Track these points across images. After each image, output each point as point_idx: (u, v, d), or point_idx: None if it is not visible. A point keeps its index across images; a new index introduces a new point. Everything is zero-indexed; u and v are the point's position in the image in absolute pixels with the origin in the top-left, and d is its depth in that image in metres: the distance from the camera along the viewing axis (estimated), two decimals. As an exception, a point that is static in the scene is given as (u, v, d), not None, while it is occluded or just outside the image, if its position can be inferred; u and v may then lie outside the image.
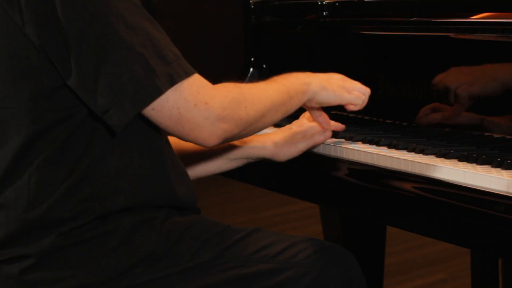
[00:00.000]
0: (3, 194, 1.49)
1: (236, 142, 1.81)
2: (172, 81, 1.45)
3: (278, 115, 1.62)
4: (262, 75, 2.33)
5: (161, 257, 1.50)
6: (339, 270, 1.57)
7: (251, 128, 1.57)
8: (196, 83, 1.48)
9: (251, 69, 2.35)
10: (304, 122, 1.84)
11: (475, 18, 1.72)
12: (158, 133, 1.56)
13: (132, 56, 1.42)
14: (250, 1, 2.32)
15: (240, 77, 2.34)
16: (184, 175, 1.62)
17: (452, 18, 1.78)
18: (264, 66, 2.34)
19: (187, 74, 1.47)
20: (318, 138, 1.80)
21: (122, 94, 1.42)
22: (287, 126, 1.85)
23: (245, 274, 1.53)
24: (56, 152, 1.47)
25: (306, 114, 1.85)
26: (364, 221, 2.38)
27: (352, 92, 1.74)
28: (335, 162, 1.76)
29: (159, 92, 1.43)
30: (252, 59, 2.35)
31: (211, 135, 1.48)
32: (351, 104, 1.74)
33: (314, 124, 1.82)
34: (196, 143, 1.50)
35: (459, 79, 1.75)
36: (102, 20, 1.42)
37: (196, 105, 1.46)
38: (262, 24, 2.34)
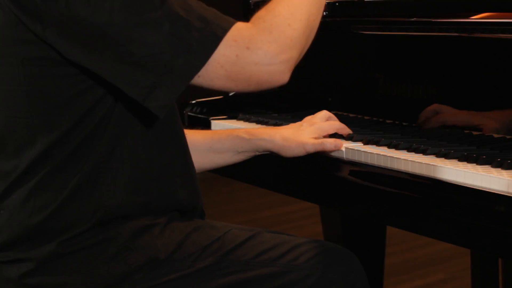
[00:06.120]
0: (10, 198, 1.48)
1: (244, 135, 1.79)
2: (213, 43, 1.38)
3: (322, 1, 1.52)
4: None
5: (162, 263, 1.50)
6: (341, 272, 1.56)
7: (307, 36, 1.48)
8: (230, 33, 1.39)
9: (251, 69, 2.34)
10: (315, 121, 1.81)
11: (475, 18, 1.72)
12: (169, 139, 1.54)
13: (169, 34, 1.37)
14: (250, 1, 2.32)
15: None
16: (192, 177, 1.61)
17: (452, 18, 1.78)
18: (264, 66, 2.33)
19: (223, 33, 1.39)
20: (328, 146, 1.74)
21: (168, 70, 1.37)
22: (298, 123, 1.82)
23: (247, 278, 1.52)
24: (65, 159, 1.46)
25: (319, 114, 1.83)
26: (364, 221, 2.38)
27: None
28: (335, 162, 1.76)
29: (204, 60, 1.37)
30: (252, 59, 2.34)
31: (273, 75, 1.41)
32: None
33: (324, 125, 1.80)
34: (265, 89, 1.42)
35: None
36: (128, 6, 1.37)
37: (238, 56, 1.39)
38: (262, 24, 2.34)
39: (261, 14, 1.46)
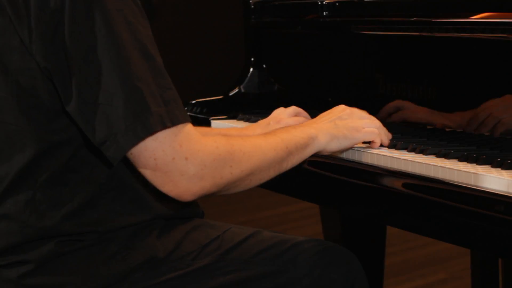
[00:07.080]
0: (4, 205, 1.48)
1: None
2: (163, 124, 1.38)
3: (271, 173, 1.55)
4: (262, 75, 2.34)
5: (161, 262, 1.50)
6: (341, 271, 1.56)
7: (235, 186, 1.51)
8: (181, 134, 1.40)
9: (251, 69, 2.35)
10: (282, 118, 1.81)
11: (475, 18, 1.72)
12: None
13: (130, 91, 1.37)
14: (250, 1, 2.32)
15: (240, 77, 2.34)
16: None
17: (452, 18, 1.78)
18: (264, 66, 2.34)
19: (174, 123, 1.39)
20: None
21: (117, 128, 1.37)
22: (265, 121, 1.82)
23: (246, 277, 1.52)
24: (59, 173, 1.46)
25: (287, 110, 1.83)
26: (364, 221, 2.38)
27: (361, 130, 1.67)
28: (335, 162, 1.76)
29: (149, 131, 1.37)
30: (252, 59, 2.35)
31: (185, 192, 1.42)
32: (366, 141, 1.68)
33: (290, 121, 1.79)
34: (169, 195, 1.43)
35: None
36: (107, 50, 1.37)
37: (174, 159, 1.39)
38: (262, 24, 2.34)
39: (221, 141, 1.46)
